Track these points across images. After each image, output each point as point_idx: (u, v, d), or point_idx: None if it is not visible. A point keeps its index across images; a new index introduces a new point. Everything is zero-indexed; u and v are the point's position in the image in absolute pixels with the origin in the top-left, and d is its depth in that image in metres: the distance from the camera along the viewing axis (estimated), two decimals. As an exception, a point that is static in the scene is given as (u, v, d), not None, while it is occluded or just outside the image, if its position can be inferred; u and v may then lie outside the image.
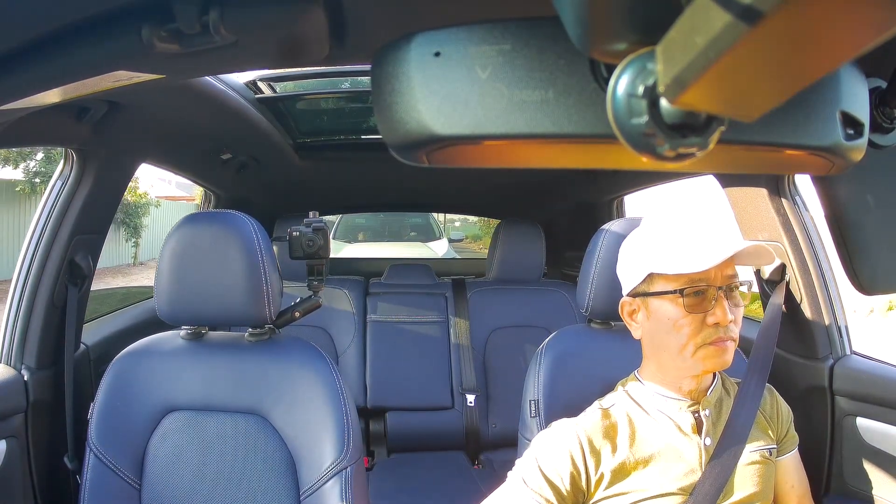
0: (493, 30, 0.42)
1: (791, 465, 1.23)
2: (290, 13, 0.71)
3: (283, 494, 1.31)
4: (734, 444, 1.11)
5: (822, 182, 0.95)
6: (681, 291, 1.07)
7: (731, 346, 1.09)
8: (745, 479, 1.13)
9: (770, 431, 1.20)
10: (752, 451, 1.15)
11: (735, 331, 1.09)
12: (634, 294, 1.17)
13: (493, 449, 2.60)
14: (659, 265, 1.10)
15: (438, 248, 7.18)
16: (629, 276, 1.18)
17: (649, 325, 1.15)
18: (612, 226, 1.44)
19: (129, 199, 12.79)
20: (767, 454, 1.17)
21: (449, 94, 0.42)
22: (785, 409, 1.25)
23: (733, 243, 1.06)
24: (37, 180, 10.80)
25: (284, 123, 2.23)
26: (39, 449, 1.55)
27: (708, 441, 1.13)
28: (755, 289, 1.59)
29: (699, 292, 1.07)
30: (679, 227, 1.12)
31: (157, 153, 1.91)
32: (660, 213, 1.19)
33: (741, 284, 1.11)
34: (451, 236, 8.15)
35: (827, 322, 1.51)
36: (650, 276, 1.13)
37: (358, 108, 2.33)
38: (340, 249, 6.65)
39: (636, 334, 1.20)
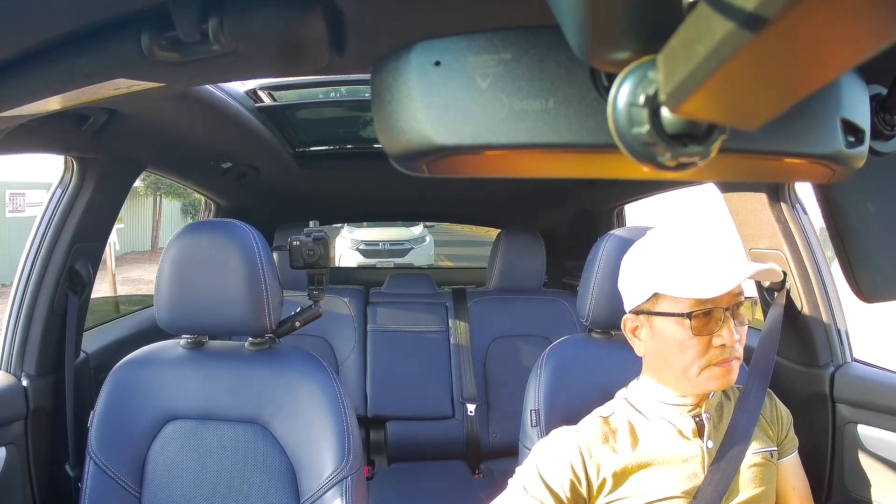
0: (493, 39, 0.42)
1: (792, 468, 1.23)
2: (290, 21, 0.71)
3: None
4: (736, 446, 1.12)
5: (822, 189, 0.95)
6: (689, 315, 1.06)
7: (736, 365, 1.08)
8: (748, 480, 1.13)
9: (770, 433, 1.20)
10: (753, 453, 1.15)
11: (740, 350, 1.08)
12: (638, 311, 1.16)
13: (494, 458, 2.59)
14: (665, 286, 1.09)
15: (416, 230, 10.32)
16: (633, 292, 1.17)
17: (653, 344, 1.14)
18: (613, 235, 1.43)
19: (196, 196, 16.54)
20: (769, 456, 1.17)
21: (449, 103, 0.42)
22: (784, 412, 1.26)
23: (743, 268, 1.05)
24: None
25: (284, 132, 2.23)
26: (39, 456, 1.55)
27: (710, 444, 1.13)
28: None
29: (706, 314, 1.06)
30: (685, 246, 1.10)
31: (158, 161, 1.91)
32: (665, 228, 1.18)
33: (745, 299, 1.11)
34: (426, 222, 10.64)
35: (828, 329, 1.50)
36: (655, 296, 1.12)
37: (358, 117, 2.33)
38: (352, 231, 9.80)
39: (639, 351, 1.19)
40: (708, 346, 1.06)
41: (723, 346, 1.06)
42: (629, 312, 1.19)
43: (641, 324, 1.16)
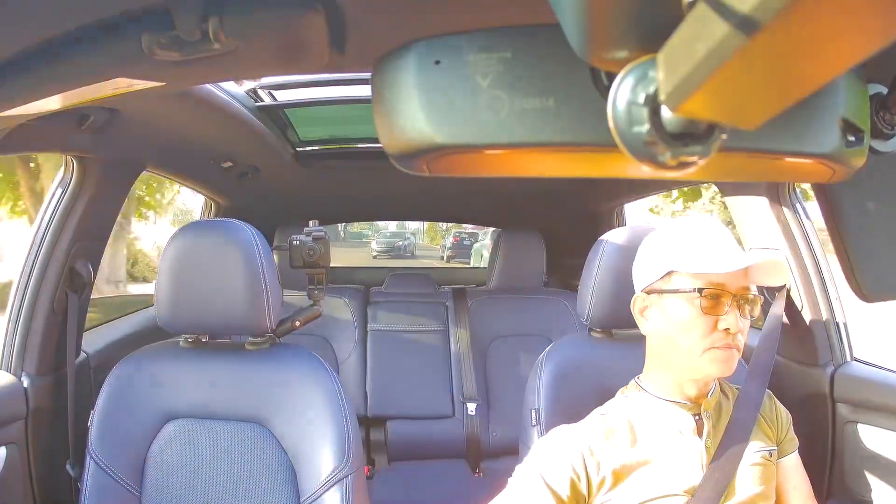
0: (493, 38, 0.42)
1: (792, 467, 1.24)
2: (291, 20, 0.71)
3: (283, 503, 1.31)
4: (735, 445, 1.12)
5: (822, 189, 0.95)
6: (700, 290, 1.09)
7: (736, 356, 1.10)
8: (747, 479, 1.13)
9: (770, 433, 1.21)
10: (753, 453, 1.15)
11: (741, 341, 1.10)
12: (649, 291, 1.18)
13: (494, 457, 2.59)
14: (681, 264, 1.12)
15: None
16: (646, 272, 1.19)
17: (660, 323, 1.16)
18: (613, 235, 1.44)
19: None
20: (768, 455, 1.18)
21: (449, 102, 0.42)
22: (784, 411, 1.26)
23: (755, 255, 1.10)
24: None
25: (285, 131, 2.23)
26: (39, 456, 1.55)
27: (709, 443, 1.14)
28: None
29: (715, 296, 1.09)
30: (702, 231, 1.15)
31: (158, 161, 1.91)
32: (682, 219, 1.22)
33: (753, 300, 1.12)
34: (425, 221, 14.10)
35: (828, 329, 1.51)
36: (669, 274, 1.14)
37: (358, 116, 2.33)
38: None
39: (644, 330, 1.21)
40: (713, 329, 1.09)
41: (727, 330, 1.08)
42: (640, 292, 1.21)
43: (651, 303, 1.18)
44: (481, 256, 9.60)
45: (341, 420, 1.32)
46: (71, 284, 1.64)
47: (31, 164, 8.10)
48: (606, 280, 1.39)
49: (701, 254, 1.11)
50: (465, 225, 10.57)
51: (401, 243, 15.35)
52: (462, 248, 11.89)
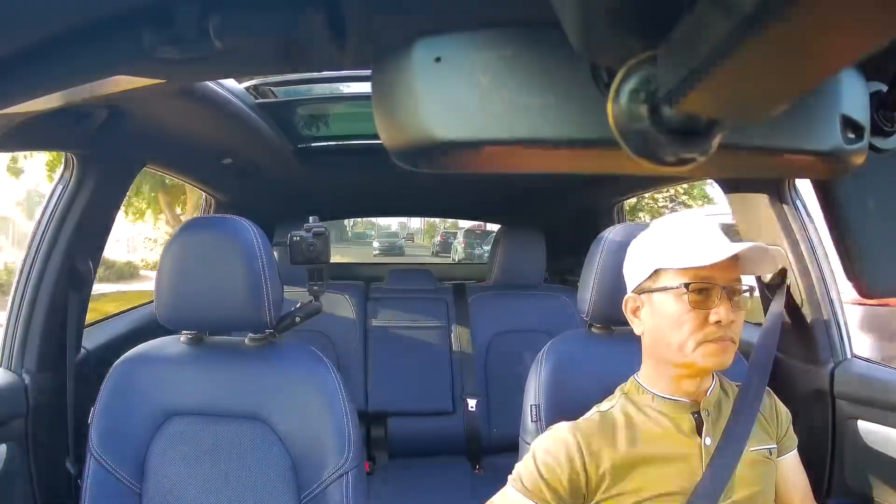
0: (494, 35, 0.42)
1: (791, 465, 1.24)
2: (291, 18, 0.71)
3: (283, 499, 1.31)
4: (735, 443, 1.12)
5: (822, 186, 0.95)
6: (686, 285, 1.08)
7: (731, 347, 1.09)
8: (746, 478, 1.13)
9: (769, 431, 1.21)
10: (752, 451, 1.15)
11: (736, 333, 1.10)
12: (640, 291, 1.18)
13: (495, 454, 2.59)
14: (666, 261, 1.12)
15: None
16: (635, 272, 1.19)
17: (652, 321, 1.16)
18: (613, 231, 1.44)
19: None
20: (768, 454, 1.18)
21: (449, 99, 0.42)
22: (783, 409, 1.26)
23: (740, 244, 1.08)
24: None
25: (285, 128, 2.23)
26: (40, 453, 1.55)
27: (708, 441, 1.13)
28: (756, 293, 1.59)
29: (703, 290, 1.08)
30: (686, 227, 1.15)
31: (158, 158, 1.91)
32: (668, 217, 1.21)
33: (744, 290, 1.12)
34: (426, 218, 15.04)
35: (828, 326, 1.51)
36: (656, 273, 1.14)
37: (358, 112, 2.33)
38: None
39: (637, 330, 1.21)
40: (704, 323, 1.08)
41: (718, 322, 1.07)
42: (631, 293, 1.21)
43: (642, 303, 1.18)
44: (456, 251, 12.95)
45: (341, 416, 1.32)
46: (71, 281, 1.64)
47: (168, 181, 9.50)
48: (607, 276, 1.39)
49: (685, 249, 1.11)
50: (461, 226, 12.62)
51: (398, 243, 16.95)
52: (447, 246, 14.53)
